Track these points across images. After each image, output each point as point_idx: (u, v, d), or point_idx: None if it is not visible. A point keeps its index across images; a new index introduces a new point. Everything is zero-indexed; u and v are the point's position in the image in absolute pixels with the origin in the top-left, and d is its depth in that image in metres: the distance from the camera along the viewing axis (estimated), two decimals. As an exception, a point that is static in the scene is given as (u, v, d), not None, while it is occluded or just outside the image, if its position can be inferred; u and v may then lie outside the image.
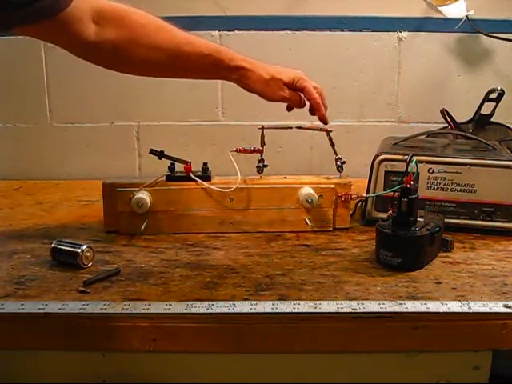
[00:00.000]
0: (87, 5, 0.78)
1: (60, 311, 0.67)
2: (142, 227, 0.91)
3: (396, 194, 0.83)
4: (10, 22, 0.73)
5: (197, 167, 0.95)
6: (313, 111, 0.94)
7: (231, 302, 0.69)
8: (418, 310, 0.67)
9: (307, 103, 0.93)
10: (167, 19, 1.32)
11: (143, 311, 0.67)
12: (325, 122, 0.94)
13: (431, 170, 0.93)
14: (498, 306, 0.67)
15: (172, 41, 0.84)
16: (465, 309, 0.67)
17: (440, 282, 0.75)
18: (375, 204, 0.96)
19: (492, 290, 0.72)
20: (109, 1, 0.82)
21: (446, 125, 1.21)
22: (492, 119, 1.21)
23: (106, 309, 0.67)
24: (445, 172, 0.92)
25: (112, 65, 0.86)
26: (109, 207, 0.94)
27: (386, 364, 0.71)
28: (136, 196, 0.90)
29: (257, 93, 0.90)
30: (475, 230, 0.93)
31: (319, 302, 0.69)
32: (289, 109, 0.95)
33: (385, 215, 0.87)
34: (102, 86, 1.35)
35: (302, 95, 0.92)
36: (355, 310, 0.67)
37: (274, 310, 0.67)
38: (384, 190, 0.93)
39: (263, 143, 0.97)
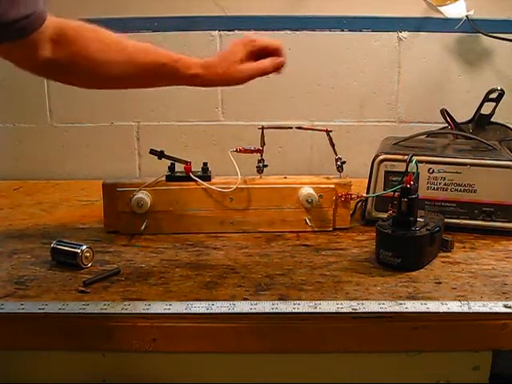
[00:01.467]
0: (49, 23, 0.78)
1: (60, 311, 0.67)
2: (142, 227, 0.92)
3: (396, 193, 0.83)
4: None
5: (197, 167, 0.95)
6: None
7: (231, 302, 0.69)
8: (417, 310, 0.67)
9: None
10: (167, 19, 1.33)
11: (143, 311, 0.67)
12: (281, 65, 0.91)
13: (431, 170, 0.93)
14: (497, 306, 0.67)
15: (124, 54, 0.84)
16: (465, 309, 0.67)
17: (440, 282, 0.75)
18: (375, 204, 0.96)
19: (492, 290, 0.72)
20: (64, 19, 0.81)
21: (446, 125, 1.21)
22: (492, 119, 1.21)
23: (106, 309, 0.67)
24: (445, 172, 0.92)
25: (71, 81, 0.86)
26: (109, 207, 0.94)
27: (386, 364, 0.71)
28: (136, 196, 0.90)
29: (223, 85, 0.90)
30: (475, 230, 0.93)
31: (319, 302, 0.69)
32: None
33: (385, 215, 0.87)
34: (102, 86, 1.34)
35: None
36: (355, 309, 0.67)
37: (274, 310, 0.67)
38: (384, 190, 0.93)
39: (263, 143, 0.97)
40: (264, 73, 0.90)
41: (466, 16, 1.26)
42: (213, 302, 0.69)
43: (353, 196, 0.95)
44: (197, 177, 0.93)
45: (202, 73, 0.86)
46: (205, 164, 0.95)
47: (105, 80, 0.86)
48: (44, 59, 0.80)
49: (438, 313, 0.67)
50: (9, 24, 0.71)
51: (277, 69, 0.91)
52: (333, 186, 0.94)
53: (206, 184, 0.93)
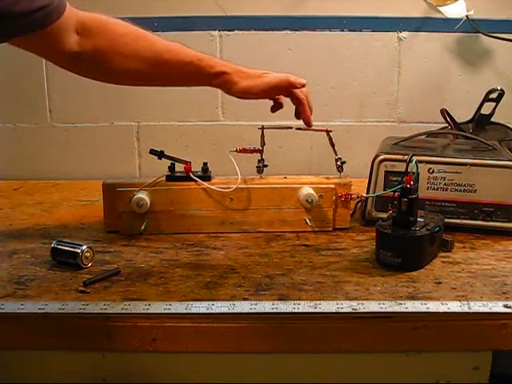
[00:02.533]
0: (72, 16, 0.79)
1: (60, 311, 0.67)
2: (142, 227, 0.91)
3: (396, 193, 0.83)
4: (4, 33, 0.73)
5: (197, 167, 0.95)
6: (298, 114, 0.93)
7: (231, 302, 0.69)
8: (417, 310, 0.67)
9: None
10: (167, 19, 1.33)
11: (143, 311, 0.67)
12: (309, 123, 0.92)
13: (431, 170, 0.93)
14: (497, 306, 0.67)
15: (151, 49, 0.85)
16: (465, 309, 0.67)
17: (440, 282, 0.75)
18: (375, 204, 0.96)
19: (492, 290, 0.72)
20: (90, 13, 0.83)
21: (446, 125, 1.21)
22: (492, 119, 1.21)
23: (106, 309, 0.67)
24: (445, 172, 0.92)
25: (95, 75, 0.87)
26: (109, 207, 0.94)
27: (386, 364, 0.71)
28: (136, 196, 0.90)
29: (243, 91, 0.88)
30: (475, 230, 0.93)
31: (319, 302, 0.69)
32: (273, 109, 0.94)
33: (385, 215, 0.87)
34: (101, 86, 1.33)
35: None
36: (355, 310, 0.67)
37: (274, 310, 0.67)
38: (384, 190, 0.93)
39: (263, 143, 0.97)
40: (278, 91, 0.91)
41: (466, 16, 1.26)
42: (213, 302, 0.69)
43: (353, 196, 0.95)
44: (197, 177, 0.93)
45: (228, 71, 0.86)
46: (205, 164, 0.95)
47: (132, 75, 0.86)
48: (70, 52, 0.80)
49: (438, 313, 0.67)
50: (23, 15, 0.71)
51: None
52: (333, 185, 0.94)
53: (206, 184, 0.93)
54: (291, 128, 0.99)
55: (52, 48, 0.79)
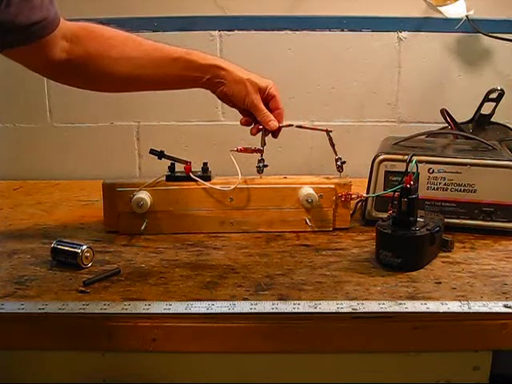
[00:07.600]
0: (62, 26, 0.79)
1: (60, 311, 0.67)
2: (142, 227, 0.91)
3: (396, 193, 0.83)
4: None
5: (197, 167, 0.95)
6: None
7: (231, 302, 0.69)
8: (417, 310, 0.67)
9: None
10: (167, 19, 1.33)
11: (143, 311, 0.67)
12: (276, 134, 0.94)
13: (431, 170, 0.93)
14: (498, 306, 0.67)
15: (139, 49, 0.85)
16: (465, 309, 0.67)
17: (440, 282, 0.75)
18: (375, 204, 0.96)
19: (492, 290, 0.72)
20: (77, 22, 0.83)
21: (446, 125, 1.21)
22: (492, 119, 1.21)
23: (106, 309, 0.67)
24: (445, 172, 0.92)
25: (84, 82, 0.86)
26: (109, 207, 0.94)
27: (386, 364, 0.71)
28: (136, 196, 0.90)
29: (231, 94, 0.88)
30: (475, 230, 0.93)
31: (319, 302, 0.69)
32: (254, 131, 0.94)
33: (385, 215, 0.87)
34: (102, 86, 1.34)
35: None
36: (355, 310, 0.67)
37: (274, 310, 0.67)
38: (384, 190, 0.93)
39: (263, 143, 0.97)
40: (258, 114, 0.92)
41: (466, 16, 1.25)
42: (213, 302, 0.69)
43: (353, 196, 0.95)
44: (197, 177, 0.93)
45: (223, 66, 0.86)
46: (205, 164, 0.95)
47: (121, 79, 0.85)
48: (59, 60, 0.80)
49: (438, 313, 0.67)
50: (20, 29, 0.71)
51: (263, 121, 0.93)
52: (333, 186, 0.94)
53: (206, 184, 0.93)
54: (291, 125, 0.98)
55: (41, 58, 0.79)
